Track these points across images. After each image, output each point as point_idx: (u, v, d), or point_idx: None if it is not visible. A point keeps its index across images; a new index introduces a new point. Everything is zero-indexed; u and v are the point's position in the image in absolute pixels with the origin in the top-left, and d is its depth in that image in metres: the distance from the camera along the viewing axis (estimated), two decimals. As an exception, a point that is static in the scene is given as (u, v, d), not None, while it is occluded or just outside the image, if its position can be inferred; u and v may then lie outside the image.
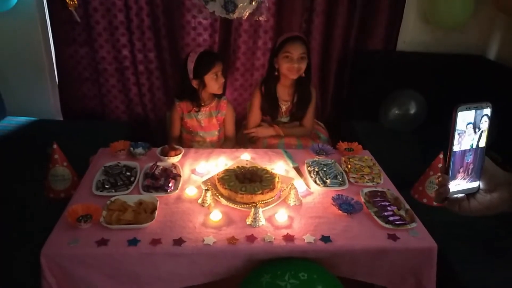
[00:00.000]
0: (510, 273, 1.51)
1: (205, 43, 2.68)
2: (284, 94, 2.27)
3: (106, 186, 1.52)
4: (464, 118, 0.69)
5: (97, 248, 1.23)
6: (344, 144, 1.91)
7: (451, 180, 0.73)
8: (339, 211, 1.44)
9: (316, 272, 1.22)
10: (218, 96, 2.19)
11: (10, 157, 2.08)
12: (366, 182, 1.65)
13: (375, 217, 1.41)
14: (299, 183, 1.62)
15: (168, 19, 2.59)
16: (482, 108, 0.70)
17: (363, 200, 1.51)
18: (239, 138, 2.37)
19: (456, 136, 0.70)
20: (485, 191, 0.74)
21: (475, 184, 0.74)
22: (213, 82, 2.07)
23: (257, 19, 2.61)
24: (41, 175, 1.71)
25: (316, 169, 1.70)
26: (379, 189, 1.59)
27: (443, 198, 0.75)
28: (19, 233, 1.51)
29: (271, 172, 1.59)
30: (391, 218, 1.40)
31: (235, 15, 2.52)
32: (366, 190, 1.57)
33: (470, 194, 0.75)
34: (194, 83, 2.07)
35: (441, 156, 1.73)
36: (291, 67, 2.11)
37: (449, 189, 0.73)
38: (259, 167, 1.63)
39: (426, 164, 1.79)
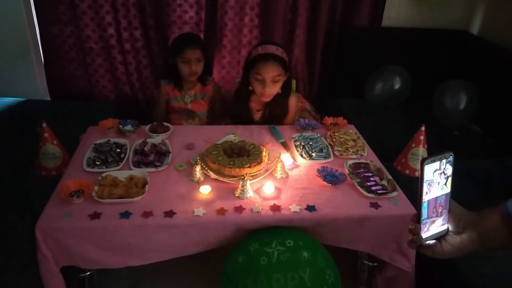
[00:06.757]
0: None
1: (192, 21, 2.66)
2: (258, 104, 2.08)
3: (97, 163, 1.55)
4: (431, 169, 0.75)
5: (90, 221, 1.27)
6: (330, 119, 1.96)
7: (423, 227, 0.78)
8: (324, 182, 1.49)
9: (302, 239, 1.28)
10: (203, 80, 2.18)
11: (-2, 138, 2.08)
12: (351, 154, 1.70)
13: (358, 187, 1.47)
14: (285, 156, 1.67)
15: (153, -4, 2.56)
16: (446, 157, 0.76)
17: (347, 171, 1.56)
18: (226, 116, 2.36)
19: (426, 186, 0.75)
20: (454, 233, 0.79)
21: (444, 227, 0.80)
22: (182, 66, 2.05)
23: (243, -5, 2.61)
24: (31, 154, 1.72)
25: (302, 143, 1.75)
26: (363, 161, 1.64)
27: (417, 245, 0.80)
28: (13, 209, 1.54)
29: (259, 146, 1.64)
30: (373, 188, 1.46)
31: (220, -8, 2.51)
32: (350, 162, 1.62)
33: (441, 236, 0.80)
34: (171, 61, 2.08)
35: (423, 128, 1.79)
36: (262, 91, 1.90)
37: (421, 237, 0.78)
38: (247, 142, 1.67)
39: (409, 137, 1.84)
